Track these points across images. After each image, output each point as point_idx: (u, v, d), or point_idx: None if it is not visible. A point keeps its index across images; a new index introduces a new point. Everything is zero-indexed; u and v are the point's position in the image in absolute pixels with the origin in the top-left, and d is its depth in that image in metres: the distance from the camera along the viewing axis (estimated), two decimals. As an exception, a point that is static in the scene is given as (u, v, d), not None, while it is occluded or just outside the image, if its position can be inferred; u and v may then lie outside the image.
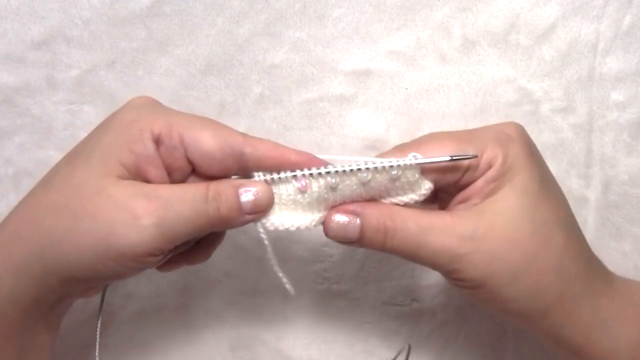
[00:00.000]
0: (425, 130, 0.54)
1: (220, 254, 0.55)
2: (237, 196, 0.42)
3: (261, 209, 0.43)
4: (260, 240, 0.45)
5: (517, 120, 0.53)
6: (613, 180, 0.54)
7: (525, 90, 0.53)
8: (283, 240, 0.54)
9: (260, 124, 0.53)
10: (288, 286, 0.46)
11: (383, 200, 0.45)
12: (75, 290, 0.43)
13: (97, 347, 0.47)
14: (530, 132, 0.53)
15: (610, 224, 0.54)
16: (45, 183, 0.43)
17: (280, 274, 0.46)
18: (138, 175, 0.42)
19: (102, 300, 0.47)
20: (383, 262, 0.56)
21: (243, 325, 0.56)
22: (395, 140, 0.53)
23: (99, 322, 0.47)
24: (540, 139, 0.54)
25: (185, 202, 0.41)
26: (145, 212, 0.40)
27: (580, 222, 0.51)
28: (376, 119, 0.54)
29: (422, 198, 0.45)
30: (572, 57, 0.53)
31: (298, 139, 0.53)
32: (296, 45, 0.53)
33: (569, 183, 0.54)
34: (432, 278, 0.57)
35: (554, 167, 0.54)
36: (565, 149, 0.54)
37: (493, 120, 0.53)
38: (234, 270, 0.55)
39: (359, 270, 0.55)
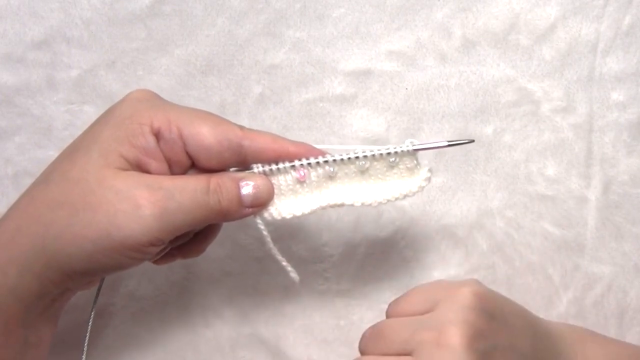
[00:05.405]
0: (425, 130, 0.54)
1: (220, 253, 0.55)
2: (238, 189, 0.43)
3: (261, 202, 0.44)
4: (261, 237, 0.45)
5: (517, 121, 0.53)
6: (613, 180, 0.54)
7: (525, 90, 0.53)
8: (283, 240, 0.54)
9: (260, 124, 0.53)
10: (293, 274, 0.46)
11: (382, 193, 0.45)
12: (77, 283, 0.43)
13: (87, 337, 0.47)
14: (530, 132, 0.54)
15: (611, 224, 0.54)
16: (45, 178, 0.43)
17: (284, 263, 0.45)
18: (139, 168, 0.42)
19: (97, 292, 0.47)
20: (383, 262, 0.56)
21: (243, 325, 0.56)
22: (395, 140, 0.53)
23: (92, 313, 0.47)
24: (541, 139, 0.54)
25: (187, 194, 0.41)
26: (147, 202, 0.40)
27: (580, 222, 0.51)
28: (376, 119, 0.54)
29: (419, 190, 0.45)
30: (572, 57, 0.53)
31: (298, 139, 0.53)
32: (296, 45, 0.53)
33: (569, 183, 0.54)
34: (431, 279, 0.57)
35: (554, 167, 0.54)
36: (565, 149, 0.54)
37: (493, 120, 0.53)
38: (234, 270, 0.55)
39: (359, 270, 0.55)
